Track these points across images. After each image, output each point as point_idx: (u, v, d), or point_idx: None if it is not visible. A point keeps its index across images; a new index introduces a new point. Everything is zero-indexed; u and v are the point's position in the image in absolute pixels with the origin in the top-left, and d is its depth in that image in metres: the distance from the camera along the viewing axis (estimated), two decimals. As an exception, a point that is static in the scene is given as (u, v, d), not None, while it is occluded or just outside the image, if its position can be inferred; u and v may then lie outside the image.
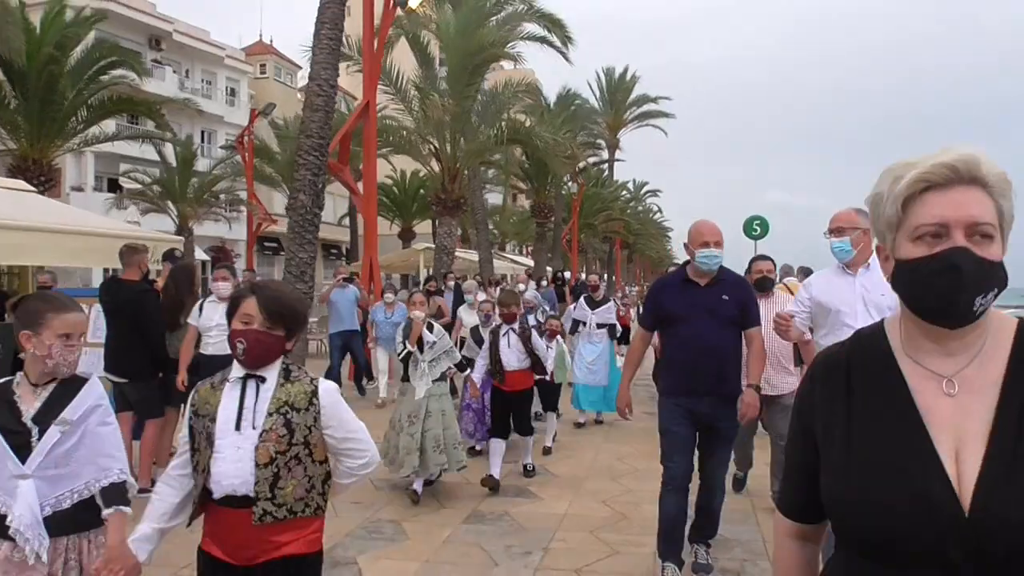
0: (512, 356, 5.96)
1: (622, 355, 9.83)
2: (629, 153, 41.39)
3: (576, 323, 8.88)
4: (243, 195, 25.57)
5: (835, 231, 3.74)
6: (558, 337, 7.37)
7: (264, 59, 41.71)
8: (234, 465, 2.14)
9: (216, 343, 5.65)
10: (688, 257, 4.08)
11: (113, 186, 30.22)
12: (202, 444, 2.20)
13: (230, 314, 2.23)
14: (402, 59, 16.31)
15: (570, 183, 28.17)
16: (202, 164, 27.35)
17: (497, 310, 6.19)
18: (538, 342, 6.11)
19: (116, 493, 2.37)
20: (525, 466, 6.37)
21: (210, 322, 5.77)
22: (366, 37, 12.48)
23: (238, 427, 2.16)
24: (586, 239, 36.67)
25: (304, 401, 2.21)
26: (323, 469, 2.26)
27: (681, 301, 3.97)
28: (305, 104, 10.28)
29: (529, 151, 19.26)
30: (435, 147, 15.79)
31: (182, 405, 5.81)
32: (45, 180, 15.90)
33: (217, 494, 2.15)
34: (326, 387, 2.26)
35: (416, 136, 16.14)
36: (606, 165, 38.28)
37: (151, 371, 5.69)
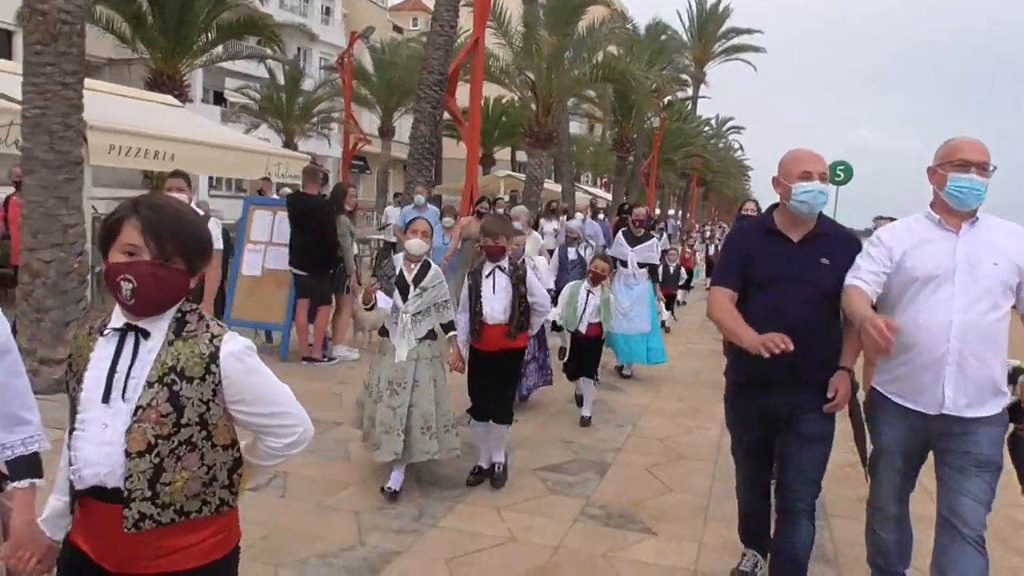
0: (497, 303, 4.35)
1: (661, 299, 8.44)
2: (714, 87, 41.02)
3: (614, 261, 7.40)
4: (337, 115, 27.21)
5: (961, 165, 2.69)
6: (603, 283, 5.93)
7: (358, -22, 42.49)
8: (99, 449, 1.60)
9: None
10: (779, 197, 2.98)
11: (218, 99, 32.22)
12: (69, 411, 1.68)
13: (105, 242, 1.63)
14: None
15: (653, 117, 28.60)
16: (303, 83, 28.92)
17: (481, 242, 4.53)
18: (535, 285, 4.50)
19: (28, 463, 1.91)
20: (493, 466, 4.55)
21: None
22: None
23: (106, 399, 1.61)
24: (663, 174, 37.06)
25: (199, 368, 1.63)
26: (229, 455, 1.71)
27: (765, 260, 2.93)
28: (428, 42, 11.46)
29: (620, 87, 19.96)
30: (532, 81, 16.75)
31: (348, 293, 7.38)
32: (178, 94, 17.63)
33: (79, 485, 1.63)
34: (231, 349, 1.66)
35: (514, 68, 17.11)
36: (688, 94, 38.21)
37: (326, 267, 7.17)
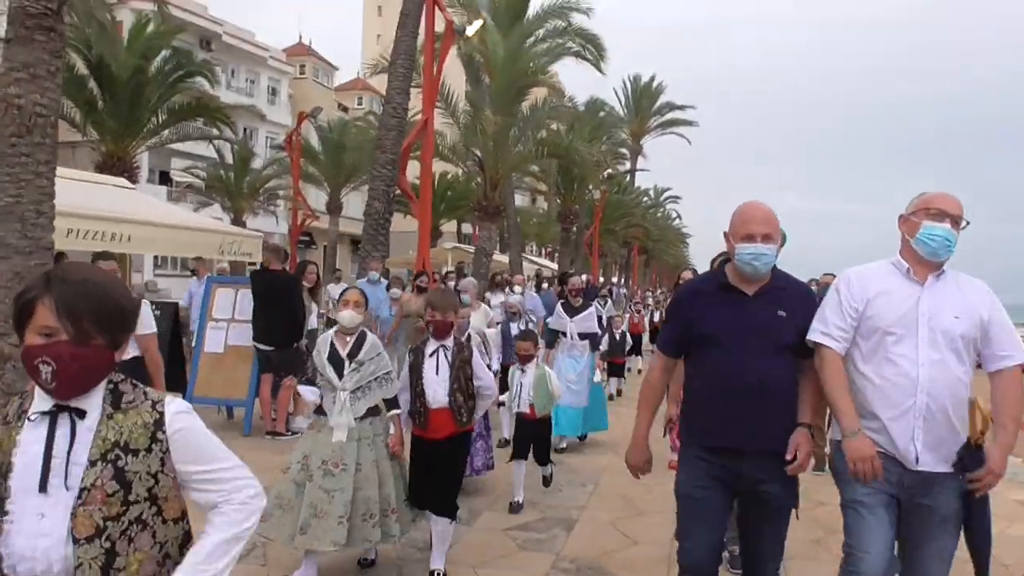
0: (440, 387, 4.05)
1: (603, 369, 8.91)
2: (651, 159, 42.90)
3: (555, 333, 7.51)
4: (284, 192, 27.60)
5: (936, 214, 2.70)
6: (537, 359, 5.68)
7: (303, 60, 43.56)
8: (35, 542, 1.48)
9: None
10: (728, 251, 2.91)
11: (163, 179, 32.26)
12: None
13: (19, 322, 1.53)
14: (451, 76, 17.98)
15: (594, 190, 29.76)
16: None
17: (427, 316, 4.18)
18: (480, 367, 4.21)
19: None
20: (432, 572, 4.08)
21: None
22: (427, 62, 14.13)
23: (43, 487, 1.49)
24: (606, 244, 38.23)
25: (143, 438, 1.56)
26: (179, 529, 1.65)
27: (717, 316, 2.81)
28: (380, 124, 12.01)
29: (564, 162, 20.87)
30: (479, 158, 17.45)
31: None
32: (128, 176, 17.75)
33: None
34: (176, 409, 1.61)
35: (461, 146, 17.82)
36: (627, 167, 39.84)
37: (291, 340, 7.37)
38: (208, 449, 1.64)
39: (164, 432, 1.57)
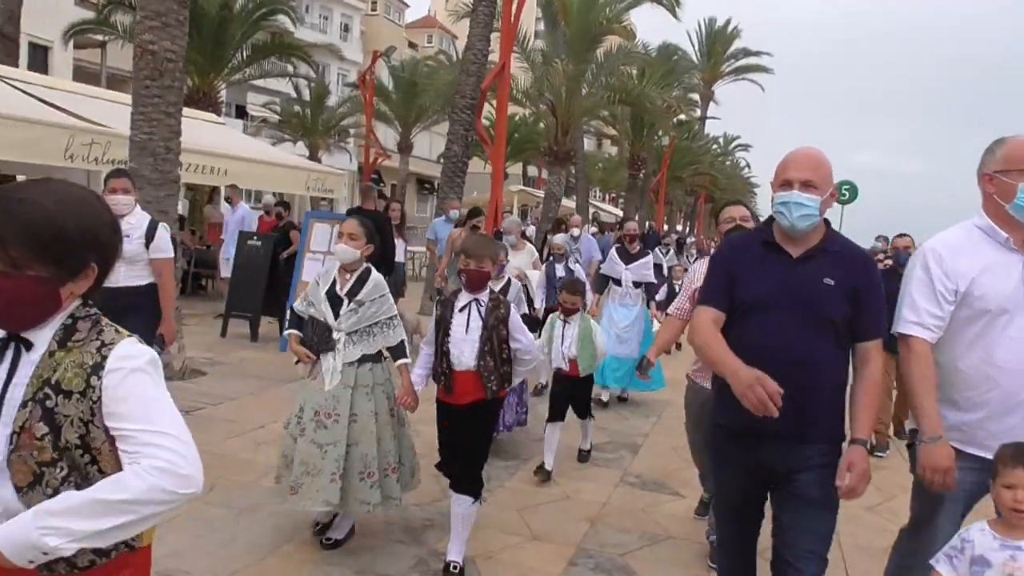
0: (468, 347, 3.49)
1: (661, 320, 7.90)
2: (721, 106, 42.07)
3: (606, 280, 7.24)
4: (355, 130, 28.35)
5: None
6: (580, 311, 5.14)
7: (376, -5, 43.76)
8: None
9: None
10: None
11: (240, 113, 33.36)
12: None
13: None
14: (525, 19, 18.14)
15: (663, 136, 29.56)
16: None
17: (460, 264, 3.58)
18: (519, 328, 3.57)
19: None
20: (448, 565, 3.54)
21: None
22: (505, 7, 14.36)
23: None
24: (672, 191, 38.00)
25: (78, 380, 1.36)
26: None
27: (756, 278, 2.43)
28: (461, 69, 12.38)
29: (635, 109, 20.90)
30: (552, 103, 17.69)
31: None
32: (213, 110, 18.65)
33: None
34: (121, 353, 1.39)
35: (533, 91, 18.07)
36: (697, 114, 39.26)
37: (385, 273, 7.99)
38: (139, 408, 1.35)
39: (100, 378, 1.35)
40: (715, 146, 43.96)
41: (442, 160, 12.38)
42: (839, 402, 2.42)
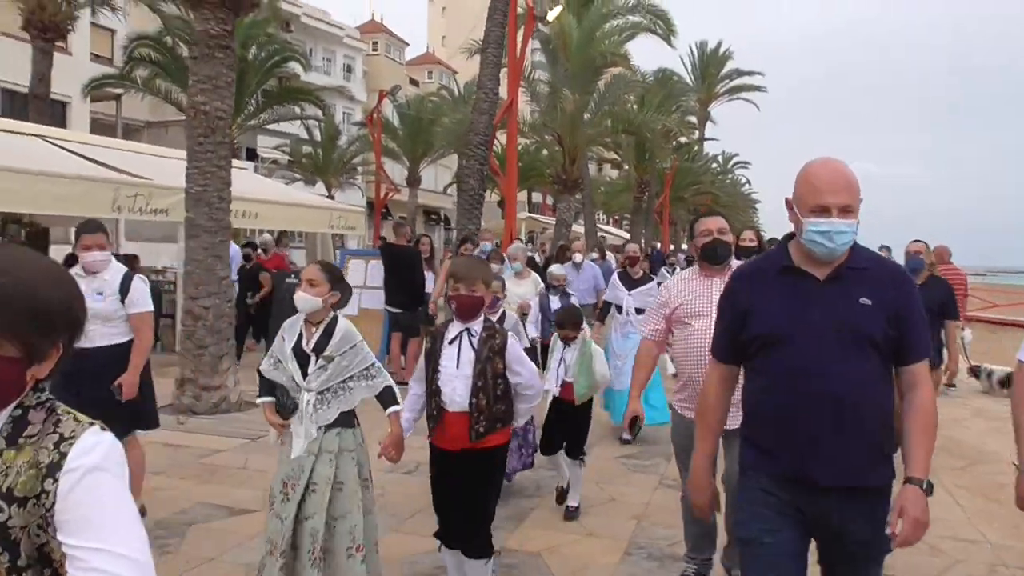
0: (460, 384, 3.11)
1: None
2: (719, 125, 42.96)
3: (610, 307, 6.79)
4: (362, 168, 29.20)
5: None
6: (583, 335, 4.69)
7: (376, 37, 44.86)
8: None
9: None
10: (793, 227, 2.24)
11: (250, 155, 34.26)
12: None
13: None
14: (530, 57, 18.94)
15: (662, 161, 30.26)
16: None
17: (448, 289, 3.22)
18: (519, 359, 3.20)
19: None
20: None
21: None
22: (510, 46, 15.08)
23: None
24: (675, 212, 38.64)
25: (32, 483, 1.13)
26: None
27: (780, 308, 2.19)
28: (473, 108, 13.05)
29: (637, 137, 21.61)
30: (558, 135, 18.37)
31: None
32: (234, 156, 19.48)
33: None
34: (84, 448, 1.15)
35: (539, 123, 18.77)
36: (696, 136, 40.03)
37: (415, 304, 8.56)
38: (93, 517, 1.12)
39: (56, 480, 1.12)
40: (715, 165, 44.68)
41: (451, 192, 13.02)
42: (888, 439, 2.16)
